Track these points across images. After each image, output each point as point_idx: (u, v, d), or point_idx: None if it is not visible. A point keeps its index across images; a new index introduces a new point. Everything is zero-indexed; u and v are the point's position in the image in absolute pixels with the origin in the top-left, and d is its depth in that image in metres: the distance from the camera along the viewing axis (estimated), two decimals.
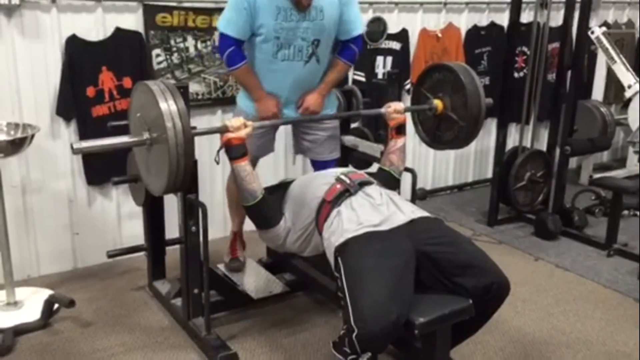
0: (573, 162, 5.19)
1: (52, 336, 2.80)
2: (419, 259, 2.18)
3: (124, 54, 3.33)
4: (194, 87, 3.59)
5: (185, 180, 2.21)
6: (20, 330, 2.79)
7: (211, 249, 2.62)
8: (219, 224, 3.77)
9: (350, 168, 2.91)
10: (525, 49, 4.74)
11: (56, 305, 2.95)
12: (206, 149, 3.36)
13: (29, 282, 3.27)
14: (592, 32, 4.45)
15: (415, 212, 2.36)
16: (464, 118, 2.75)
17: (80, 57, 3.21)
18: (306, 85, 2.90)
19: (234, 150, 2.37)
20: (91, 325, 2.91)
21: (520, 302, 3.18)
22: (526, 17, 4.67)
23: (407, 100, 4.51)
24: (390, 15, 4.34)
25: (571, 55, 4.15)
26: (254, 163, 2.93)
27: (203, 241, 2.56)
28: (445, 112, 2.80)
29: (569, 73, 4.16)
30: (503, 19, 4.80)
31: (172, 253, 3.08)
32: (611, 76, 4.85)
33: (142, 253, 3.23)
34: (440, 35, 4.55)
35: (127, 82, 3.35)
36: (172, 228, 2.91)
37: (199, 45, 3.57)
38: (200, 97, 3.64)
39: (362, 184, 2.43)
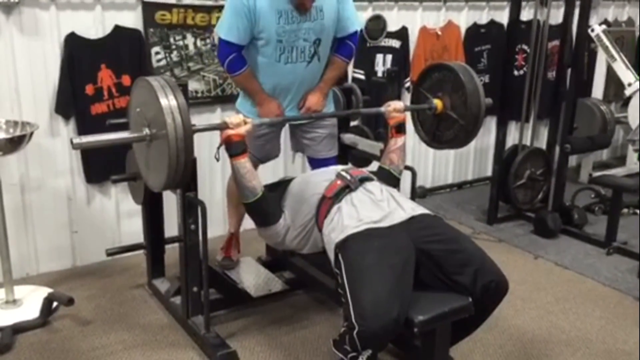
0: (573, 160, 5.19)
1: (51, 334, 2.80)
2: (418, 256, 2.18)
3: (123, 51, 3.32)
4: (193, 85, 3.58)
5: (185, 176, 2.21)
6: (19, 329, 2.78)
7: (210, 247, 2.62)
8: (218, 222, 3.76)
9: (350, 165, 2.92)
10: (525, 46, 4.73)
11: (55, 304, 2.95)
12: (206, 147, 3.36)
13: (27, 280, 3.26)
14: (592, 30, 4.44)
15: (415, 209, 2.36)
16: (463, 117, 2.75)
17: (79, 55, 3.20)
18: (309, 85, 2.90)
19: (233, 147, 2.36)
20: (90, 323, 2.91)
21: (520, 300, 3.18)
22: (526, 14, 4.66)
23: (406, 98, 4.50)
24: (390, 13, 4.33)
25: (571, 53, 4.15)
26: (255, 165, 2.93)
27: (202, 239, 2.55)
28: (445, 111, 2.80)
29: (569, 71, 4.16)
30: (503, 17, 4.79)
31: (171, 251, 3.07)
32: (611, 74, 4.84)
33: (141, 251, 3.22)
34: (440, 33, 4.54)
35: (126, 79, 3.34)
36: (171, 226, 2.90)
37: (199, 43, 3.57)
38: (199, 95, 3.63)
39: (363, 180, 2.43)
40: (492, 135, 4.65)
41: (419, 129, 2.99)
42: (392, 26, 4.35)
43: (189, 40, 3.53)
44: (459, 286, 2.18)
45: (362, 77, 4.29)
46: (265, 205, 2.45)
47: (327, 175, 2.48)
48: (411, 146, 4.25)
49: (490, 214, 4.29)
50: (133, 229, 3.48)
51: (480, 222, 4.31)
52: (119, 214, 3.58)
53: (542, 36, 4.16)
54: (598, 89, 5.16)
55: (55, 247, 3.41)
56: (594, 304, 3.21)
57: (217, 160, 2.47)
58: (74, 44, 3.18)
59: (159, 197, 3.00)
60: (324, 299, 3.07)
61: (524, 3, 4.28)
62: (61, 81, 3.19)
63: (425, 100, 2.85)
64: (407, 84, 4.51)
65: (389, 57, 4.38)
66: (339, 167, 2.60)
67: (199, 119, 3.49)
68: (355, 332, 1.97)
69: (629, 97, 4.52)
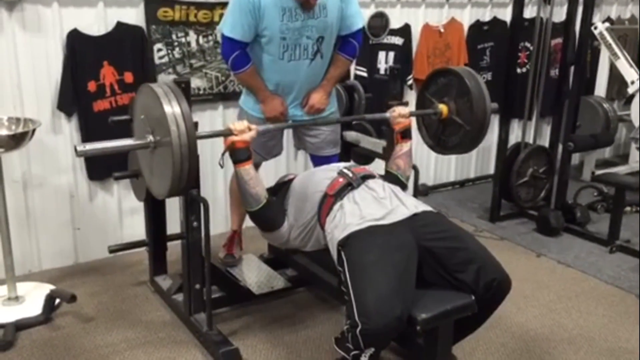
0: (575, 158, 5.19)
1: (53, 331, 2.80)
2: (421, 254, 2.18)
3: (126, 48, 3.32)
4: (196, 82, 3.58)
5: (189, 182, 2.20)
6: (21, 325, 2.78)
7: (213, 245, 2.62)
8: (220, 220, 3.77)
9: (352, 162, 2.91)
10: (528, 44, 4.73)
11: (57, 301, 2.95)
12: (207, 144, 3.35)
13: (30, 277, 3.26)
14: (595, 28, 4.43)
15: (418, 206, 2.35)
16: (469, 122, 2.73)
17: (81, 52, 3.20)
18: (312, 82, 2.89)
19: (237, 154, 2.35)
20: (92, 320, 2.91)
21: (522, 299, 3.17)
22: (529, 12, 4.65)
23: (409, 95, 4.51)
24: (392, 10, 4.32)
25: (574, 51, 4.14)
26: (258, 163, 2.93)
27: (204, 236, 2.55)
28: (450, 116, 2.77)
29: (572, 69, 4.15)
30: (506, 14, 4.78)
31: (174, 248, 3.07)
32: (614, 72, 4.83)
33: (143, 248, 3.23)
34: (442, 30, 4.53)
35: (128, 76, 3.34)
36: (174, 223, 2.91)
37: (201, 40, 3.56)
38: (201, 92, 3.63)
39: (365, 178, 2.42)
40: (494, 133, 4.64)
41: (424, 133, 2.97)
42: (395, 23, 4.34)
43: (192, 37, 3.52)
44: (461, 284, 2.17)
45: (365, 74, 4.29)
46: (269, 212, 2.44)
47: (329, 173, 2.47)
48: (413, 144, 4.24)
49: (493, 211, 4.29)
50: (135, 226, 3.48)
51: (483, 220, 4.30)
52: (121, 211, 3.58)
53: (545, 34, 4.16)
54: (601, 87, 5.15)
55: (58, 244, 3.41)
56: (596, 302, 3.20)
57: (221, 167, 2.47)
58: (76, 41, 3.18)
59: None
60: (326, 297, 3.07)
61: (526, 0, 4.27)
62: (63, 78, 3.19)
63: (430, 105, 2.84)
64: (410, 82, 4.51)
65: (392, 54, 4.38)
66: (341, 165, 2.59)
67: (201, 116, 3.49)
68: (358, 330, 1.96)
69: (632, 95, 4.50)
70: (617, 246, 3.81)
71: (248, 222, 3.19)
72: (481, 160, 5.16)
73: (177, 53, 3.50)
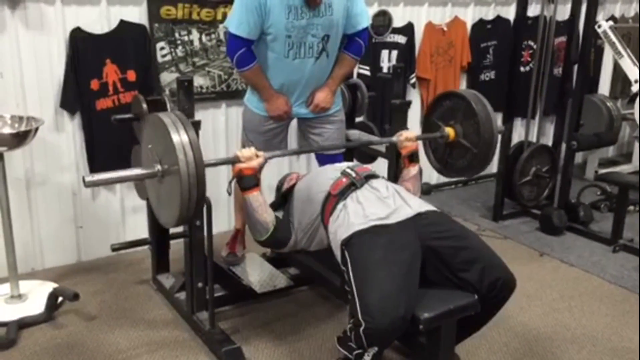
0: (579, 157, 5.17)
1: (56, 329, 2.80)
2: (424, 253, 2.17)
3: (129, 46, 3.32)
4: (199, 81, 3.58)
5: (198, 211, 2.20)
6: (24, 324, 2.79)
7: (215, 243, 2.62)
8: (223, 218, 3.77)
9: (356, 162, 2.90)
10: (531, 43, 4.71)
11: (60, 299, 2.95)
12: (209, 143, 3.35)
13: (33, 275, 3.27)
14: (599, 26, 4.41)
15: (421, 205, 2.35)
16: (476, 145, 2.71)
17: (84, 50, 3.20)
18: (317, 81, 2.89)
19: (245, 181, 2.34)
20: (95, 318, 2.91)
21: (525, 298, 3.17)
22: (532, 10, 4.63)
23: (411, 94, 4.51)
24: (395, 8, 4.31)
25: (578, 50, 4.13)
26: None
27: (207, 235, 2.55)
28: (457, 139, 2.77)
29: (576, 67, 4.13)
30: (509, 13, 4.77)
31: (176, 247, 3.07)
32: (618, 71, 4.82)
33: (146, 247, 3.22)
34: (445, 29, 4.53)
35: (131, 75, 3.34)
36: None
37: (204, 39, 3.56)
38: (204, 90, 3.63)
39: (368, 177, 2.42)
40: None
41: (431, 158, 2.96)
42: (398, 22, 4.34)
43: (194, 35, 3.52)
44: (465, 283, 2.17)
45: (368, 73, 4.28)
46: (278, 235, 2.43)
47: (332, 173, 2.47)
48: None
49: (496, 210, 4.28)
50: (138, 224, 3.48)
51: (486, 219, 4.30)
52: (123, 209, 3.58)
53: (548, 32, 4.14)
54: (605, 86, 5.14)
55: (60, 242, 3.41)
56: (599, 302, 3.20)
57: (229, 194, 2.48)
58: (79, 39, 3.18)
59: None
60: (328, 296, 3.07)
61: None
62: (66, 76, 3.19)
63: (437, 128, 2.83)
64: (412, 80, 4.50)
65: (395, 53, 4.37)
66: (344, 164, 2.58)
67: (203, 114, 3.49)
68: (361, 329, 1.96)
69: (636, 94, 4.49)
70: (621, 245, 3.81)
71: None
72: None
73: (180, 51, 3.50)
